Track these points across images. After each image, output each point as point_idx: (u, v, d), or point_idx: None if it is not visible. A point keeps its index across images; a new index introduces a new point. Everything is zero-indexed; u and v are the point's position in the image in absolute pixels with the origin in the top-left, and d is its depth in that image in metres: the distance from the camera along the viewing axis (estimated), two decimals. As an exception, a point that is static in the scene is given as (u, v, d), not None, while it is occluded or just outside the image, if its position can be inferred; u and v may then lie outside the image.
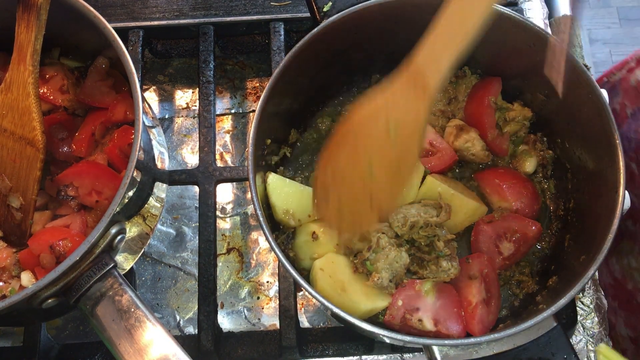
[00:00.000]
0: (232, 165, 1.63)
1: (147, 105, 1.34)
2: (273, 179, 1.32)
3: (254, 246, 1.56)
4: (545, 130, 1.44)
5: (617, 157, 1.17)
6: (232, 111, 1.70)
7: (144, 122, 1.18)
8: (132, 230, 1.23)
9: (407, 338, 1.11)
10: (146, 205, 1.29)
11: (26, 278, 1.19)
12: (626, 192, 1.16)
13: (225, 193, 1.61)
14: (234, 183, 1.61)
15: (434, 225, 1.28)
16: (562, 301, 1.11)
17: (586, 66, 1.25)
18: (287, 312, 1.37)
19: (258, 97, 1.71)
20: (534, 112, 1.41)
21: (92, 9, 1.21)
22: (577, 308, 1.42)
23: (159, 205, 1.37)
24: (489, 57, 1.40)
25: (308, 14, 1.48)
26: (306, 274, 1.33)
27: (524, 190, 1.37)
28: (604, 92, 1.21)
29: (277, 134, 1.42)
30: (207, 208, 1.45)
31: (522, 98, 1.43)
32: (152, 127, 1.36)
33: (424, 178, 1.38)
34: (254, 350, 1.40)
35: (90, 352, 1.38)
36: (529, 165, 1.41)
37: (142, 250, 1.36)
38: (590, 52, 3.66)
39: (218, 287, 1.44)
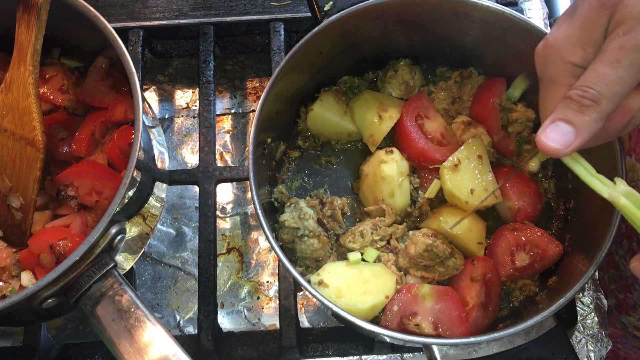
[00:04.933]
0: (232, 165, 1.63)
1: (147, 105, 1.34)
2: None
3: (254, 246, 1.56)
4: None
5: (617, 158, 1.17)
6: (232, 111, 1.70)
7: (144, 122, 1.18)
8: (132, 230, 1.23)
9: (407, 337, 1.11)
10: (146, 205, 1.29)
11: (26, 278, 1.19)
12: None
13: (225, 193, 1.61)
14: (234, 183, 1.61)
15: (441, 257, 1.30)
16: (562, 301, 1.11)
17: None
18: (287, 312, 1.37)
19: (258, 97, 1.71)
20: (536, 112, 1.42)
21: (92, 9, 1.21)
22: (577, 308, 1.42)
23: (159, 205, 1.37)
24: (492, 57, 1.40)
25: (308, 14, 1.49)
26: (306, 274, 1.33)
27: (527, 189, 1.37)
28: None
29: (277, 133, 1.42)
30: (207, 208, 1.45)
31: (525, 99, 1.43)
32: (152, 127, 1.36)
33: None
34: (254, 350, 1.40)
35: (90, 352, 1.38)
36: (533, 164, 1.41)
37: (142, 250, 1.36)
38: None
39: (218, 287, 1.44)
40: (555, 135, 0.89)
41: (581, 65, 0.89)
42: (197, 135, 1.60)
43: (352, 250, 1.34)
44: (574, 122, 0.88)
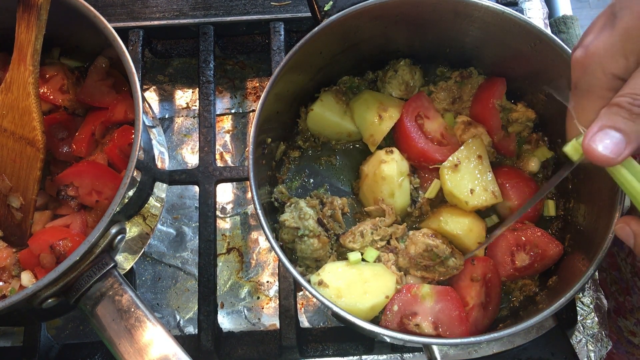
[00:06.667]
0: (232, 165, 1.63)
1: (147, 105, 1.34)
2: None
3: (254, 246, 1.56)
4: (546, 130, 1.44)
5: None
6: (232, 111, 1.70)
7: (144, 122, 1.18)
8: (132, 230, 1.23)
9: (407, 337, 1.11)
10: (146, 205, 1.29)
11: (26, 278, 1.19)
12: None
13: (225, 193, 1.61)
14: (234, 183, 1.61)
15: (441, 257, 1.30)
16: (562, 301, 1.11)
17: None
18: (287, 312, 1.37)
19: (258, 97, 1.71)
20: (536, 112, 1.42)
21: (92, 8, 1.21)
22: (577, 308, 1.43)
23: (159, 205, 1.37)
24: (492, 57, 1.40)
25: (308, 14, 1.49)
26: (306, 274, 1.33)
27: (527, 189, 1.37)
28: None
29: (277, 133, 1.42)
30: (207, 208, 1.45)
31: (525, 99, 1.43)
32: (152, 127, 1.36)
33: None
34: (254, 350, 1.40)
35: (90, 352, 1.38)
36: (533, 164, 1.41)
37: (142, 250, 1.36)
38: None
39: (218, 287, 1.44)
40: (606, 144, 0.87)
41: (622, 76, 0.88)
42: (197, 135, 1.60)
43: (352, 250, 1.34)
44: (625, 130, 0.86)
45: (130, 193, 1.16)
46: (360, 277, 1.27)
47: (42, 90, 1.32)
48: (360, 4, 1.27)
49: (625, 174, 0.92)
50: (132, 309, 1.08)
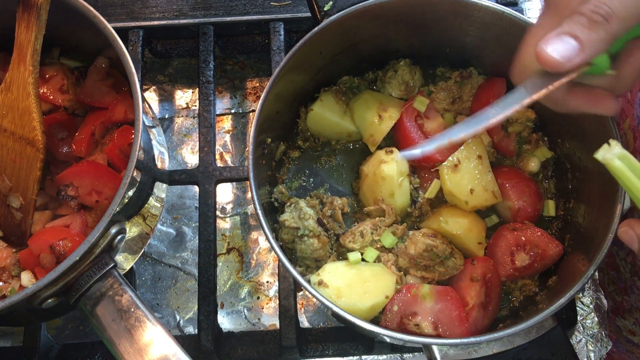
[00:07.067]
0: (232, 165, 1.63)
1: (147, 105, 1.34)
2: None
3: (254, 246, 1.56)
4: (546, 130, 1.44)
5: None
6: (232, 111, 1.70)
7: (144, 122, 1.18)
8: (132, 230, 1.23)
9: (407, 337, 1.11)
10: (146, 205, 1.29)
11: (26, 278, 1.19)
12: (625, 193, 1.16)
13: (225, 193, 1.61)
14: (234, 183, 1.61)
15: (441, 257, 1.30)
16: (562, 301, 1.11)
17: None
18: (287, 312, 1.37)
19: (258, 97, 1.71)
20: (536, 112, 1.42)
21: (92, 9, 1.21)
22: (577, 308, 1.43)
23: (159, 205, 1.37)
24: (492, 57, 1.40)
25: (308, 14, 1.49)
26: (306, 274, 1.33)
27: (527, 189, 1.37)
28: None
29: (277, 133, 1.42)
30: (207, 208, 1.45)
31: (524, 99, 1.43)
32: (152, 127, 1.36)
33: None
34: (254, 350, 1.40)
35: (90, 352, 1.38)
36: (533, 164, 1.41)
37: (142, 250, 1.36)
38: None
39: (218, 287, 1.44)
40: (558, 47, 0.85)
41: None
42: (197, 135, 1.60)
43: (352, 250, 1.34)
44: (580, 37, 0.85)
45: (130, 193, 1.16)
46: (360, 277, 1.27)
47: (42, 90, 1.32)
48: (360, 4, 1.27)
49: (625, 171, 0.92)
50: (132, 309, 1.08)
